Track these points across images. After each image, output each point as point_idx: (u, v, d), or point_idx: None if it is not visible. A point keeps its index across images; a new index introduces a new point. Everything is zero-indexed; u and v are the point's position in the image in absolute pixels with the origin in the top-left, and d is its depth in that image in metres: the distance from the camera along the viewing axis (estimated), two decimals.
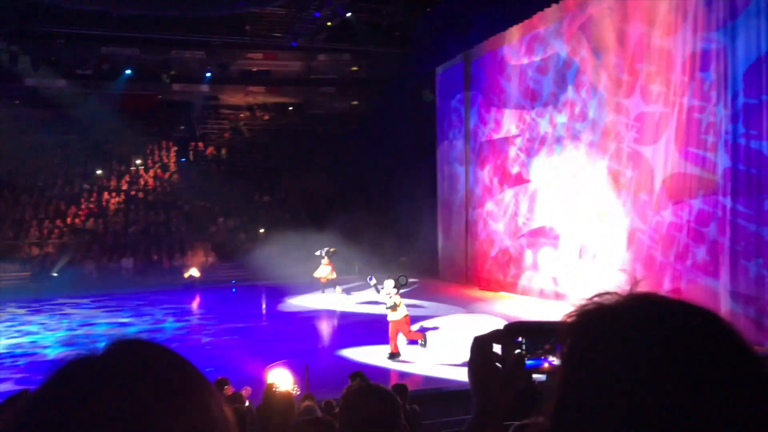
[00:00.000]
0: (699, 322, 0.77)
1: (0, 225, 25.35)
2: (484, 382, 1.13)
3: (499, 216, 19.40)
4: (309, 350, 12.09)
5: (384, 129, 27.72)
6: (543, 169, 17.41)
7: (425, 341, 11.79)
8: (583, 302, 0.83)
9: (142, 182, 29.50)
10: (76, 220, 26.23)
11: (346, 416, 2.11)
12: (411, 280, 22.63)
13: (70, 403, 0.67)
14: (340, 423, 2.09)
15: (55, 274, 22.77)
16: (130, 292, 21.13)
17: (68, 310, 18.26)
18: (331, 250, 18.83)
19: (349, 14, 21.53)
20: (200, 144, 32.87)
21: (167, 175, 30.29)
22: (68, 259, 23.48)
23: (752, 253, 11.19)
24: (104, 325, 15.80)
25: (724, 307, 11.24)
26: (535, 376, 1.16)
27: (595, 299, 0.82)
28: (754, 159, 11.20)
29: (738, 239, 11.41)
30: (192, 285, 22.70)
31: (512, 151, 18.75)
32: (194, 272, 23.50)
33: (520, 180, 18.41)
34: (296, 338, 13.75)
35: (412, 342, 11.71)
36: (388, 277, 11.35)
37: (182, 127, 33.32)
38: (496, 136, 19.52)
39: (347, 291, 19.79)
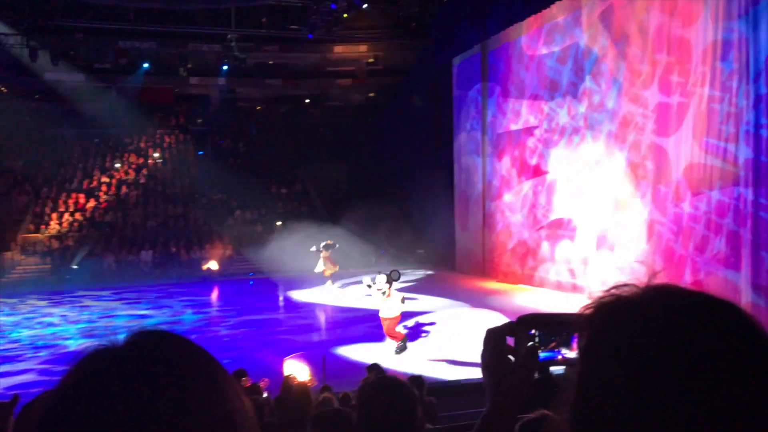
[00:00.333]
0: (719, 313, 0.76)
1: (21, 218, 25.69)
2: (497, 375, 1.13)
3: (516, 208, 19.31)
4: (325, 342, 12.15)
5: (401, 121, 27.67)
6: (561, 160, 17.29)
7: (404, 345, 11.13)
8: (601, 294, 0.82)
9: (161, 176, 29.72)
10: (96, 214, 26.51)
11: (363, 408, 2.11)
12: (428, 272, 22.76)
13: (94, 393, 0.68)
14: (357, 415, 2.10)
15: (75, 267, 23.06)
16: (149, 285, 21.35)
17: (88, 302, 18.49)
18: (328, 242, 18.75)
19: (365, 5, 21.45)
20: (217, 137, 33.02)
21: (185, 168, 30.49)
22: (88, 251, 23.75)
23: None
24: (124, 317, 15.98)
25: (745, 299, 11.11)
26: (552, 368, 1.15)
27: (613, 291, 0.81)
28: None
29: (759, 231, 11.25)
30: (210, 277, 22.87)
31: (530, 143, 18.63)
32: (212, 265, 23.66)
33: (538, 171, 18.29)
34: (313, 330, 13.83)
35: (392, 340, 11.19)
36: (380, 272, 11.10)
37: (199, 121, 33.51)
38: (514, 127, 19.40)
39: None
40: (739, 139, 11.64)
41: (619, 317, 0.78)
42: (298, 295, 18.87)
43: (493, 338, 1.14)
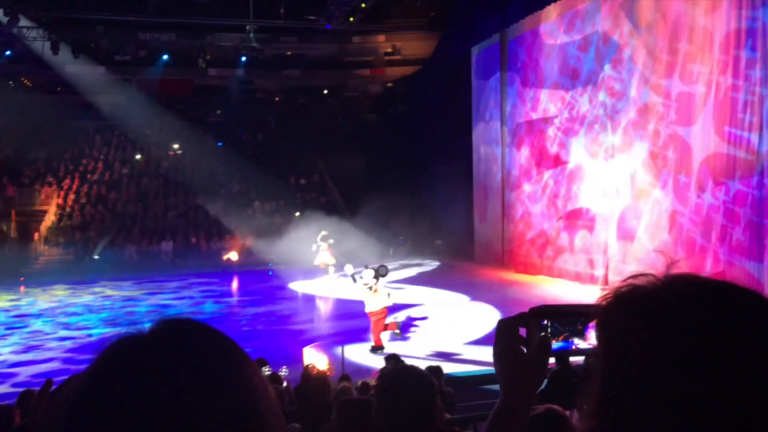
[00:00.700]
0: (741, 302, 0.75)
1: (44, 209, 26.06)
2: (509, 366, 1.12)
3: (536, 198, 19.19)
4: (344, 332, 12.19)
5: (419, 111, 27.58)
6: (581, 149, 17.13)
7: (400, 331, 11.22)
8: (618, 284, 0.82)
9: (180, 167, 29.95)
10: (117, 205, 26.81)
11: (382, 396, 2.12)
12: (446, 263, 22.76)
13: (121, 379, 0.69)
14: (375, 404, 2.11)
15: (96, 257, 23.36)
16: (170, 275, 21.57)
17: (110, 292, 18.74)
18: (325, 234, 18.73)
19: None
20: (236, 128, 33.16)
21: (204, 159, 30.68)
22: (108, 242, 24.04)
23: None
24: (145, 307, 16.17)
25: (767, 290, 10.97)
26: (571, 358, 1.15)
27: (630, 281, 0.81)
28: None
29: None
30: (230, 268, 23.06)
31: (550, 132, 18.48)
32: (232, 255, 23.84)
33: (557, 161, 18.15)
34: (331, 320, 13.88)
35: (393, 338, 11.11)
36: (367, 267, 10.85)
37: (218, 112, 33.66)
38: (533, 117, 19.26)
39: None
40: (760, 128, 11.46)
41: (638, 307, 0.77)
42: (316, 286, 18.95)
43: (505, 329, 1.13)
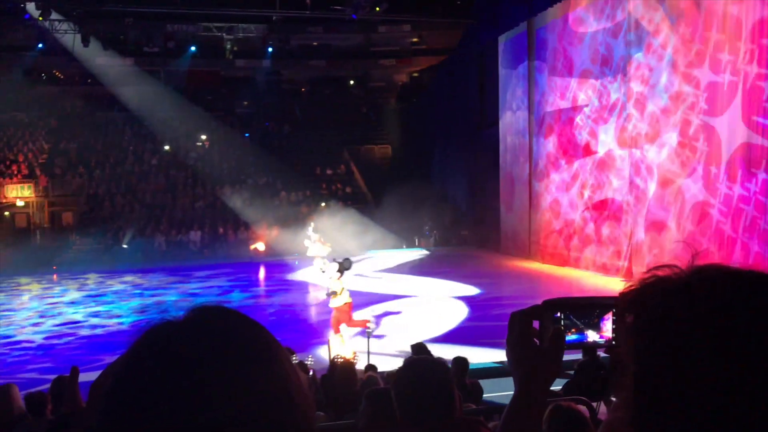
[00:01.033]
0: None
1: (75, 199, 26.54)
2: (522, 359, 1.12)
3: (563, 188, 19.00)
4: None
5: (445, 100, 27.45)
6: (610, 139, 16.90)
7: (372, 328, 10.51)
8: (641, 276, 0.82)
9: (208, 158, 30.25)
10: (146, 195, 27.19)
11: (399, 388, 2.15)
12: (473, 253, 22.69)
13: (156, 367, 0.70)
14: (394, 394, 2.13)
15: (125, 246, 23.75)
16: (198, 265, 21.84)
17: (140, 281, 19.04)
18: (315, 225, 18.78)
19: None
20: (262, 119, 33.37)
21: (231, 150, 30.94)
22: (137, 232, 24.41)
23: None
24: (174, 296, 16.40)
25: None
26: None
27: (654, 272, 0.80)
28: None
29: None
30: (257, 258, 23.26)
31: (579, 121, 18.24)
32: (259, 246, 24.04)
33: (586, 151, 17.92)
34: (356, 309, 13.89)
35: (362, 333, 10.29)
36: (333, 260, 10.65)
37: (245, 103, 33.88)
38: (561, 106, 19.03)
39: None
40: None
41: (668, 298, 0.77)
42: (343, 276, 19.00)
43: (518, 322, 1.12)
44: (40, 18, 22.92)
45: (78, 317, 14.11)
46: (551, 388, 1.17)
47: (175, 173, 28.89)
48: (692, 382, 0.72)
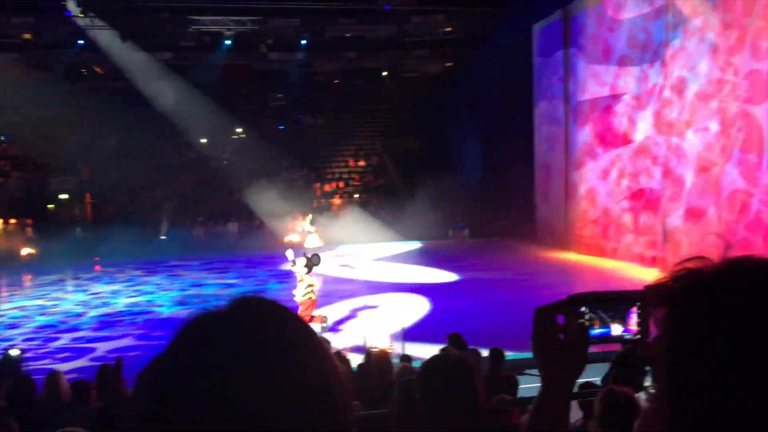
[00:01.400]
0: None
1: (116, 192, 27.10)
2: (547, 355, 1.11)
3: (600, 177, 18.72)
4: (404, 312, 12.26)
5: (479, 90, 27.22)
6: (647, 127, 16.57)
7: (326, 324, 10.96)
8: (674, 268, 0.81)
9: (243, 150, 30.57)
10: (185, 187, 27.64)
11: (422, 385, 2.21)
12: (506, 244, 22.52)
13: (200, 356, 0.72)
14: (418, 392, 2.19)
15: (163, 237, 24.18)
16: (236, 256, 22.13)
17: (180, 272, 19.39)
18: (311, 217, 18.77)
19: None
20: (296, 112, 33.55)
21: (266, 143, 31.21)
22: (176, 223, 24.82)
23: None
24: (213, 286, 16.67)
25: None
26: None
27: (686, 264, 0.80)
28: None
29: None
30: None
31: (616, 110, 17.93)
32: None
33: (623, 139, 17.62)
34: (392, 299, 13.95)
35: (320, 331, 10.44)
36: (303, 255, 10.80)
37: (279, 96, 34.09)
38: (598, 94, 18.72)
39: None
40: None
41: (704, 291, 0.77)
42: (377, 266, 19.10)
43: (543, 317, 1.12)
44: (81, 15, 23.39)
45: (120, 307, 14.45)
46: (581, 380, 1.17)
47: (213, 166, 29.27)
48: (727, 375, 0.72)
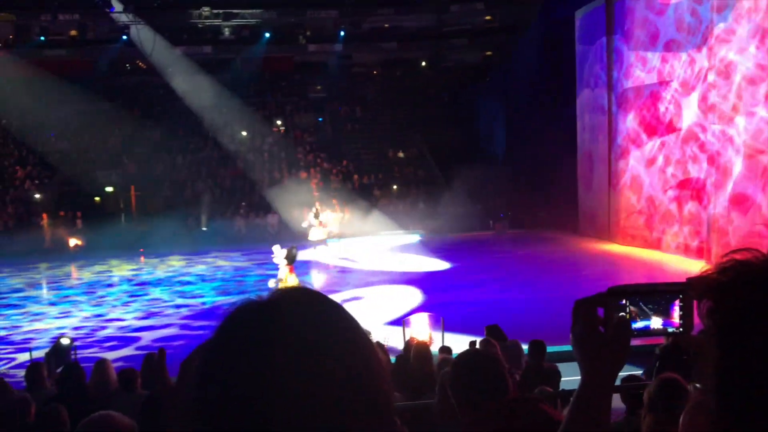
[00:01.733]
0: None
1: (159, 184, 27.66)
2: (587, 348, 1.09)
3: (644, 167, 18.31)
4: (444, 303, 12.23)
5: (519, 79, 26.88)
6: (693, 115, 16.12)
7: None
8: (720, 260, 0.80)
9: (283, 142, 30.84)
10: (226, 180, 28.04)
11: (453, 379, 2.27)
12: (548, 235, 22.24)
13: (245, 345, 0.73)
14: (450, 389, 2.26)
15: (204, 229, 24.59)
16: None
17: (221, 263, 19.71)
18: (317, 210, 18.75)
19: None
20: (335, 103, 33.68)
21: (304, 135, 31.43)
22: (217, 215, 25.18)
23: None
24: (254, 276, 16.90)
25: None
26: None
27: (733, 255, 0.78)
28: None
29: None
30: (330, 240, 23.60)
31: (661, 96, 17.49)
32: (331, 228, 24.39)
33: (669, 127, 17.18)
34: (432, 290, 13.94)
35: None
36: (282, 248, 10.99)
37: (318, 87, 34.26)
38: (642, 81, 18.29)
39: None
40: None
41: (745, 283, 0.75)
42: (414, 256, 19.08)
43: (583, 310, 1.10)
44: (123, 11, 23.88)
45: (164, 297, 14.77)
46: (623, 373, 1.15)
47: (253, 158, 29.61)
48: None
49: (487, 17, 32.56)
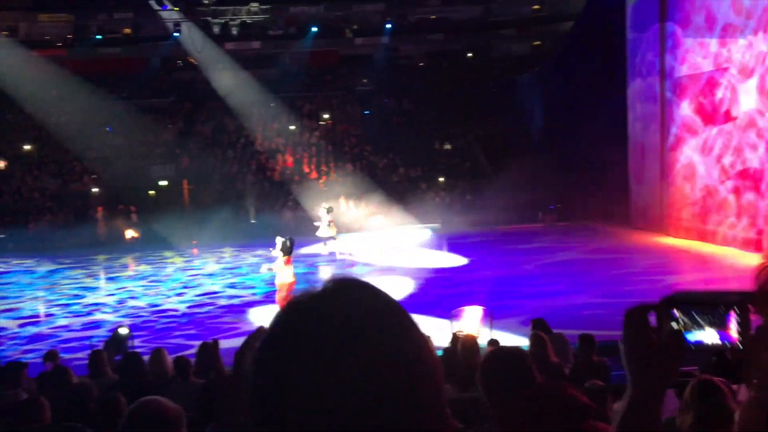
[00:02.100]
0: None
1: (210, 178, 28.23)
2: (638, 359, 1.06)
3: (700, 157, 17.77)
4: (490, 296, 12.16)
5: (568, 69, 26.37)
6: (753, 100, 15.53)
7: None
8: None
9: (330, 136, 31.06)
10: (274, 173, 28.43)
11: (481, 379, 2.33)
12: (597, 227, 21.83)
13: (300, 332, 0.76)
14: (479, 385, 2.32)
15: (253, 222, 24.98)
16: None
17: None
18: (327, 207, 18.54)
19: None
20: (381, 96, 33.71)
21: (351, 128, 31.57)
22: (264, 207, 25.53)
23: None
24: (302, 268, 17.11)
25: None
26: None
27: None
28: None
29: None
30: (377, 231, 23.70)
31: (718, 83, 16.91)
32: (378, 220, 24.47)
33: (727, 116, 16.61)
34: (478, 284, 13.87)
35: None
36: (278, 239, 11.11)
37: (364, 81, 34.36)
38: (698, 68, 17.72)
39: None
40: None
41: None
42: (466, 250, 19.00)
43: (634, 319, 1.07)
44: (176, 8, 24.42)
45: (216, 288, 15.10)
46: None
47: (300, 151, 29.93)
48: None
49: (535, 6, 32.06)
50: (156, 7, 25.68)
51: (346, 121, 32.06)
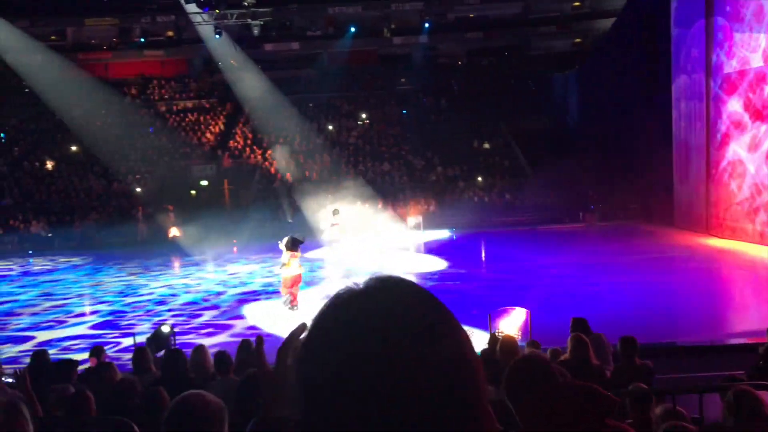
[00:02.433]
0: None
1: (251, 178, 28.60)
2: None
3: (747, 156, 17.27)
4: (531, 297, 12.02)
5: (610, 67, 25.93)
6: None
7: (293, 307, 11.69)
8: None
9: (368, 136, 31.16)
10: (313, 173, 28.64)
11: (505, 387, 2.39)
12: (641, 227, 21.41)
13: (340, 328, 0.76)
14: (504, 392, 2.36)
15: (290, 221, 25.19)
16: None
17: (307, 254, 20.12)
18: (336, 209, 18.34)
19: None
20: (420, 95, 33.68)
21: (389, 127, 31.60)
22: (298, 206, 25.75)
23: None
24: (337, 266, 17.21)
25: None
26: None
27: None
28: None
29: None
30: (414, 232, 23.68)
31: (766, 80, 16.40)
32: (415, 220, 24.45)
33: None
34: (515, 285, 13.73)
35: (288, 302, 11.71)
36: (285, 235, 11.70)
37: (403, 80, 34.37)
38: (747, 64, 17.22)
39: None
40: None
41: None
42: (501, 250, 18.86)
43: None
44: (217, 11, 24.80)
45: (255, 287, 15.29)
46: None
47: (339, 151, 30.10)
48: None
49: (576, 3, 31.62)
50: (197, 9, 26.10)
51: (384, 121, 32.12)
